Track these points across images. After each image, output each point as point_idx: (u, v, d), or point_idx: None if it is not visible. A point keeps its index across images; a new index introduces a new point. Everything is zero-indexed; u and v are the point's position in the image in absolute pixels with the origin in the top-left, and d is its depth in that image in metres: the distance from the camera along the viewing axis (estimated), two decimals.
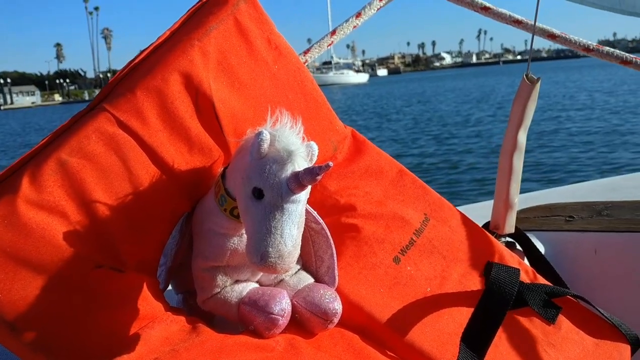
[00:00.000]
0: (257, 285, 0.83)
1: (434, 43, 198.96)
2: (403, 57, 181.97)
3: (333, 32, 1.19)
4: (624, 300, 1.23)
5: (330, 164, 0.65)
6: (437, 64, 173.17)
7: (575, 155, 9.12)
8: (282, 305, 0.77)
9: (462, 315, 0.89)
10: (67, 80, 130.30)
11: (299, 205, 0.69)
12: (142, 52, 0.84)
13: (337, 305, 0.80)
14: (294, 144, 0.70)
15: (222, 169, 0.81)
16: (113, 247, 0.74)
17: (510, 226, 1.18)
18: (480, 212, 1.27)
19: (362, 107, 26.62)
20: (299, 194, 0.68)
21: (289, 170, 0.68)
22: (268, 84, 0.89)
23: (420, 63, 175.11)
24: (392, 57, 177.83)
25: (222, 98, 0.83)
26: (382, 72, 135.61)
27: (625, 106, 15.64)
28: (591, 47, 1.21)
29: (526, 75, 1.15)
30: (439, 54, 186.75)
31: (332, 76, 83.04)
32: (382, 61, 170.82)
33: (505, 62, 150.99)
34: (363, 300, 0.85)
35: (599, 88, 24.22)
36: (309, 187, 0.69)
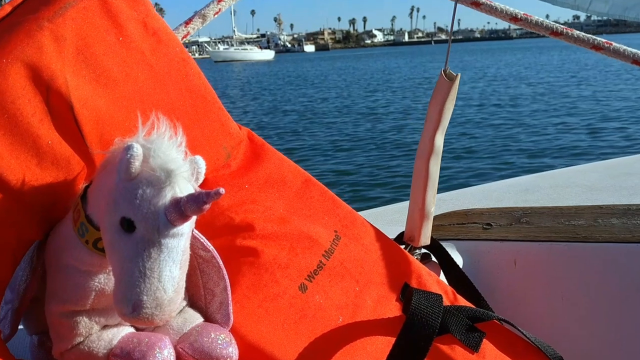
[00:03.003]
0: (131, 329, 0.67)
1: (365, 19, 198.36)
2: (333, 33, 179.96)
3: None
4: (545, 314, 1.17)
5: (222, 190, 0.51)
6: (369, 41, 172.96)
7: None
8: (164, 356, 0.62)
9: (378, 349, 0.78)
10: None
11: (181, 240, 0.55)
12: None
13: (232, 350, 0.67)
14: (174, 160, 0.55)
15: (84, 186, 0.64)
16: None
17: (426, 237, 1.08)
18: (391, 217, 1.17)
19: (236, 90, 24.69)
20: (180, 226, 0.54)
21: (167, 195, 0.53)
22: (144, 79, 0.72)
23: (350, 40, 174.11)
24: (322, 33, 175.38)
25: (83, 97, 0.66)
26: (309, 48, 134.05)
27: (499, 98, 15.08)
28: (519, 17, 1.10)
29: (444, 71, 1.04)
30: (371, 31, 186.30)
31: (233, 52, 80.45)
32: (311, 36, 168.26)
33: (437, 41, 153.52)
34: (263, 340, 0.71)
35: (493, 74, 24.27)
36: (194, 217, 0.55)
